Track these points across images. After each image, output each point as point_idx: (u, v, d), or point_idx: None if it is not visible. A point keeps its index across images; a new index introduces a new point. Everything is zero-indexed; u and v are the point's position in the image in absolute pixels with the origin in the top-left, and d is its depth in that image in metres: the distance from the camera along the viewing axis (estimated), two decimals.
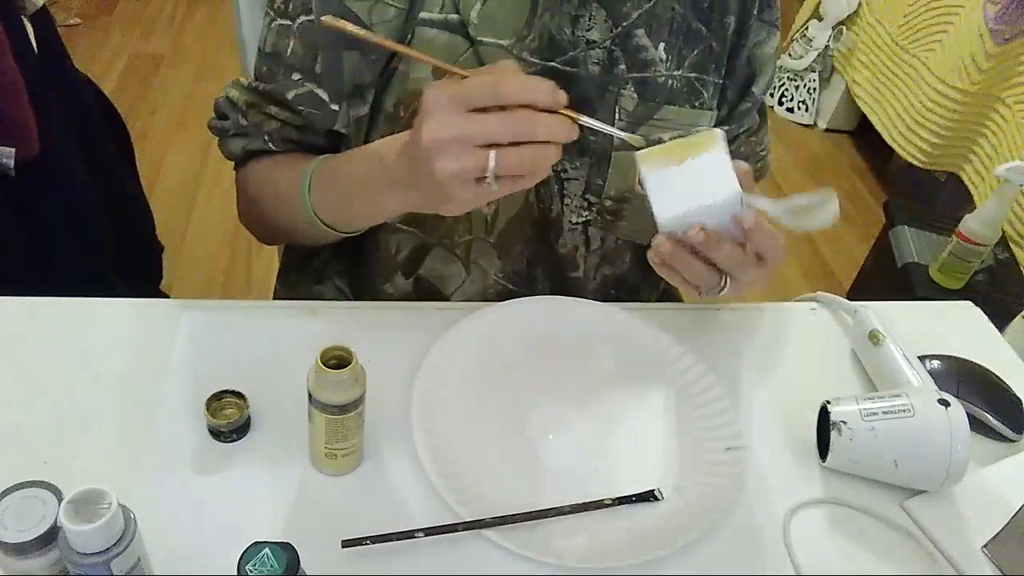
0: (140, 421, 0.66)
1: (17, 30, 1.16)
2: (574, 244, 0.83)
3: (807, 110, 2.85)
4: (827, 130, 2.84)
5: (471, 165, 0.56)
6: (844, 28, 2.63)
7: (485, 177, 0.56)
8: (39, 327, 0.73)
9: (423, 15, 0.71)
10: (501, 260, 0.82)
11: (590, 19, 0.73)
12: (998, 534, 0.65)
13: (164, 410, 0.67)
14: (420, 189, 0.61)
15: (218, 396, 0.66)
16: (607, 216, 0.81)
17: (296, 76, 0.74)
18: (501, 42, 0.71)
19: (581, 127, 0.59)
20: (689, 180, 0.61)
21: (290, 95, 0.74)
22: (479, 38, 0.71)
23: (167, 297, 1.66)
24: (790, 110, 2.87)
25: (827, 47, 2.69)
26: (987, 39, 1.98)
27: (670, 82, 0.76)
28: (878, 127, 2.41)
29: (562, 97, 0.57)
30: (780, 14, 0.81)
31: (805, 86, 2.83)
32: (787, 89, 2.86)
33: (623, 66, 0.75)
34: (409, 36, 0.71)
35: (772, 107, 2.86)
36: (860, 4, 2.56)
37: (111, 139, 1.51)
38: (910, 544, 0.65)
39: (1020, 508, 0.66)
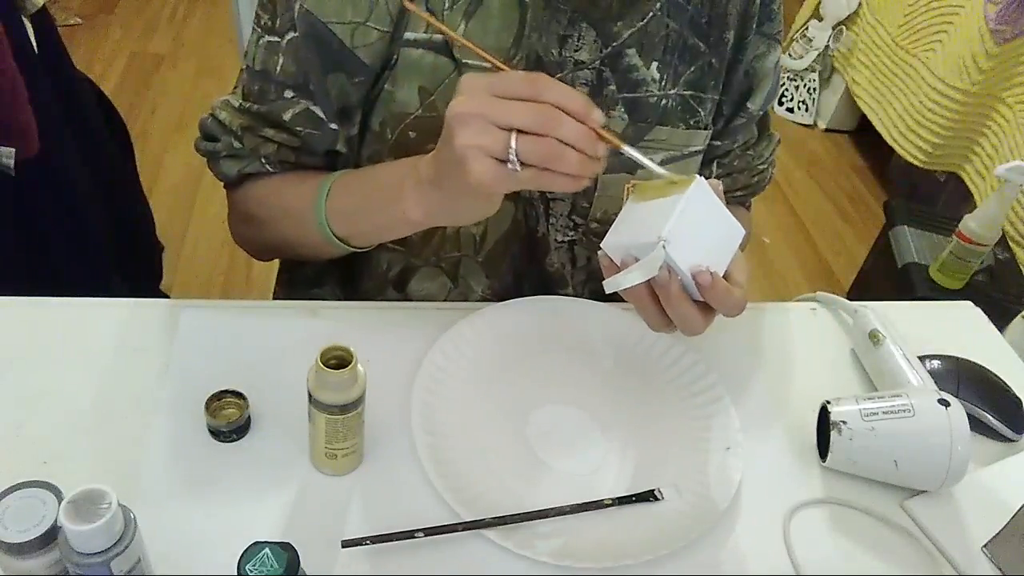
0: (140, 421, 0.66)
1: (17, 30, 1.15)
2: (561, 262, 0.82)
3: (807, 110, 2.85)
4: (827, 130, 2.84)
5: (489, 141, 0.56)
6: (844, 28, 2.63)
7: (507, 161, 0.56)
8: (39, 327, 0.73)
9: (408, 35, 0.70)
10: (489, 279, 0.82)
11: (579, 39, 0.71)
12: (998, 534, 0.65)
13: (164, 410, 0.67)
14: (443, 182, 0.61)
15: (218, 396, 0.66)
16: (593, 238, 0.81)
17: (289, 94, 0.72)
18: (485, 64, 0.70)
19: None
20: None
21: (287, 116, 0.73)
22: (463, 60, 0.70)
23: (167, 297, 1.66)
24: (790, 110, 2.87)
25: (827, 47, 2.69)
26: (987, 39, 1.98)
27: (663, 101, 0.75)
28: (878, 127, 2.41)
29: (597, 115, 0.57)
30: (782, 27, 0.79)
31: (805, 86, 2.83)
32: (787, 89, 2.86)
33: (613, 86, 0.73)
34: (395, 58, 0.70)
35: (772, 106, 2.85)
36: (860, 4, 2.56)
37: (111, 139, 1.51)
38: (910, 544, 0.65)
39: (1020, 508, 0.66)
